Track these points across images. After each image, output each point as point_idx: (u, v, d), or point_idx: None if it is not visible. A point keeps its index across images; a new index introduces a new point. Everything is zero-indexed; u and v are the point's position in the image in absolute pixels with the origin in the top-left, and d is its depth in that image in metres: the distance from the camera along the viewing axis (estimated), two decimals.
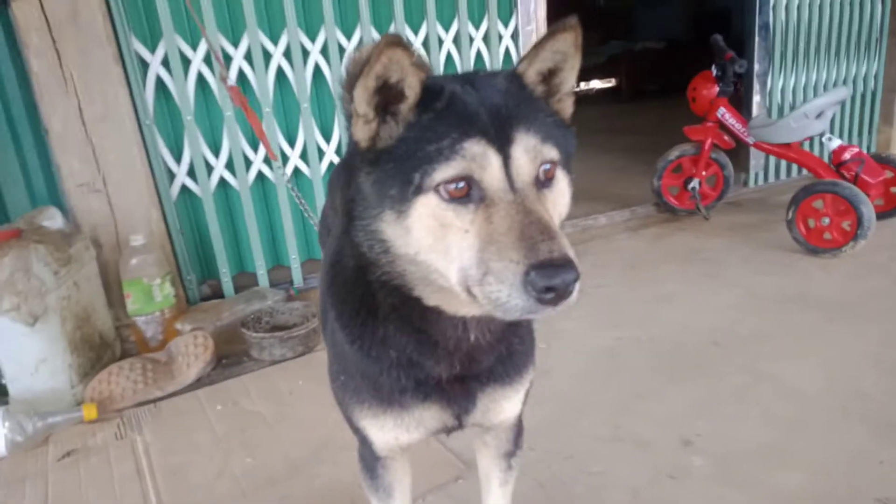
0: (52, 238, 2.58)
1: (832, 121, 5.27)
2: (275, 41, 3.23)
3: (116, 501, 2.05)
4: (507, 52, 3.89)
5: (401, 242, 0.99)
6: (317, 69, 3.36)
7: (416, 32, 3.58)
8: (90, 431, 2.43)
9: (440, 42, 3.66)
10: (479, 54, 3.81)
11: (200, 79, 3.11)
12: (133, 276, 2.84)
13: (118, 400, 2.57)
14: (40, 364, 2.53)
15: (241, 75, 3.19)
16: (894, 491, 1.84)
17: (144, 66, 3.01)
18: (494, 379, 1.25)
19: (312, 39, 3.32)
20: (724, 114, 4.18)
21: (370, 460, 1.40)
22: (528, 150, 0.95)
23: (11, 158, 2.84)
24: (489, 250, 0.90)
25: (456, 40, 3.71)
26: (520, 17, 3.83)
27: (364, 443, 1.35)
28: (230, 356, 2.92)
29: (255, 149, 3.28)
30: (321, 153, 3.45)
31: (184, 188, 3.20)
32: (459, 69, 3.67)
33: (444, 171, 0.93)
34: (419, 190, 0.94)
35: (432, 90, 0.99)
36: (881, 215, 3.99)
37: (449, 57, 3.71)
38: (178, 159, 3.16)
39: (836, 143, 3.83)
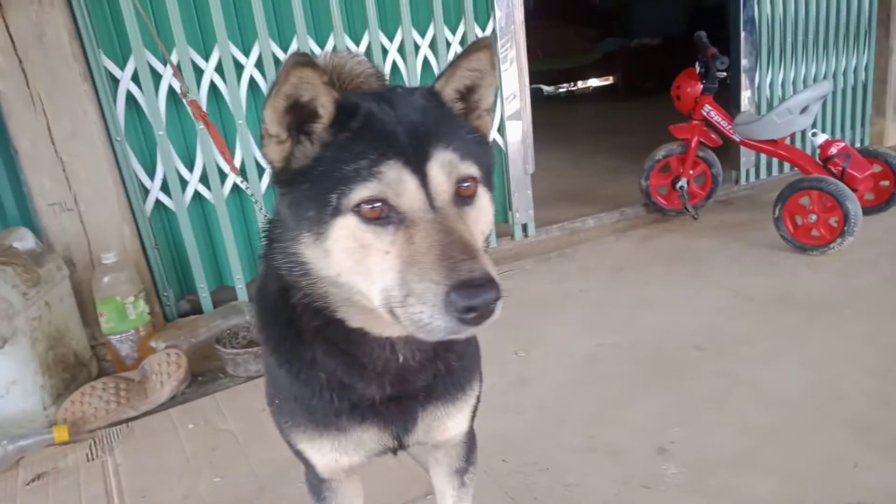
0: (20, 259, 2.56)
1: (825, 114, 5.23)
2: (247, 52, 3.21)
3: None
4: None
5: (321, 265, 0.97)
6: None
7: (391, 39, 3.55)
8: (62, 453, 2.41)
9: (416, 48, 3.63)
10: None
11: (172, 93, 3.08)
12: (106, 295, 2.81)
13: (91, 420, 2.54)
14: (11, 386, 2.51)
15: (213, 88, 3.16)
16: (868, 495, 1.79)
17: (115, 82, 2.99)
18: (435, 397, 1.22)
19: (285, 49, 3.29)
20: (710, 111, 4.12)
21: (315, 483, 1.38)
22: (446, 168, 0.94)
23: None
24: (410, 271, 0.88)
25: (432, 45, 3.68)
26: (497, 20, 3.79)
27: (307, 465, 1.33)
28: (206, 373, 2.89)
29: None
30: None
31: (158, 203, 3.18)
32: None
33: (362, 192, 0.91)
34: (337, 211, 0.92)
35: (348, 109, 0.96)
36: (871, 210, 3.94)
37: (426, 62, 3.67)
38: (151, 175, 3.14)
39: (822, 138, 3.77)
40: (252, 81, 3.23)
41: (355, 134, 0.95)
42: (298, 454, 1.29)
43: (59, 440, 2.44)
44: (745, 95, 4.87)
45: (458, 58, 1.01)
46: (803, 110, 3.71)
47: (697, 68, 4.10)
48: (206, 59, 3.12)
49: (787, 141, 4.01)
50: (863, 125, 5.51)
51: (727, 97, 4.84)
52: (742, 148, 4.82)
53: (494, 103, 1.11)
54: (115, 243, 2.95)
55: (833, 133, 5.28)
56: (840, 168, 3.66)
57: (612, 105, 11.34)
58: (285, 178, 1.00)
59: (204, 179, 3.22)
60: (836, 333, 2.75)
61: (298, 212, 0.98)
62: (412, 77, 3.63)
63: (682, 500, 1.87)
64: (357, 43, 3.45)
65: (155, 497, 2.12)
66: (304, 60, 0.90)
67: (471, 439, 1.44)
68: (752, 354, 2.65)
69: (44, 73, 2.75)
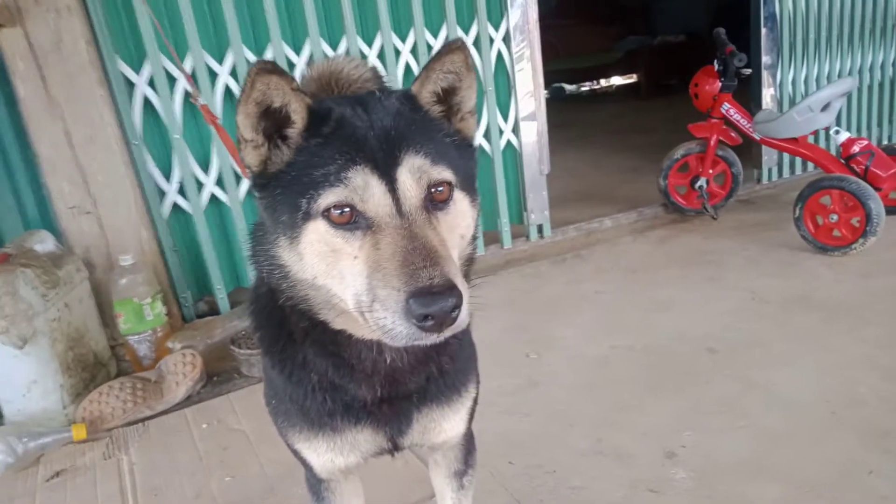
0: (40, 261, 2.63)
1: (851, 111, 5.12)
2: (260, 56, 3.24)
3: None
4: (499, 55, 3.84)
5: (297, 268, 0.99)
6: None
7: (403, 40, 3.56)
8: (80, 451, 2.46)
9: (429, 49, 3.64)
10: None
11: (188, 97, 3.13)
12: (123, 296, 2.87)
13: (108, 419, 2.60)
14: (32, 385, 2.57)
15: (228, 92, 3.21)
16: (882, 500, 1.75)
17: (131, 86, 3.05)
18: (430, 399, 1.22)
19: (298, 52, 3.33)
20: (729, 109, 4.06)
21: (314, 483, 1.39)
22: (414, 173, 0.93)
23: (3, 183, 2.90)
24: (376, 277, 0.89)
25: None
26: (511, 20, 3.78)
27: (305, 466, 1.34)
28: (221, 373, 2.93)
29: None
30: None
31: (175, 206, 3.23)
32: None
33: (329, 198, 0.92)
34: (308, 216, 0.93)
35: (321, 114, 0.98)
36: None
37: None
38: (168, 177, 3.19)
39: (844, 135, 3.69)
40: None
41: (326, 139, 0.96)
42: (296, 454, 1.31)
43: (78, 438, 2.49)
44: (767, 93, 4.79)
45: (432, 60, 1.01)
46: (825, 108, 3.63)
47: (716, 66, 4.04)
48: (221, 62, 3.17)
49: (810, 139, 3.93)
50: (891, 122, 5.38)
51: (749, 95, 4.76)
52: (763, 146, 4.75)
53: (480, 107, 1.10)
54: (133, 245, 3.00)
55: (860, 130, 5.17)
56: (863, 166, 3.58)
57: (634, 104, 11.22)
58: (262, 182, 1.01)
59: (220, 182, 3.27)
60: (854, 336, 2.69)
61: (274, 216, 1.00)
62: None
63: None
64: (369, 45, 3.47)
65: (167, 495, 2.16)
66: (268, 67, 0.92)
67: (469, 441, 1.44)
68: (766, 357, 2.61)
69: (62, 78, 2.81)
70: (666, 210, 4.56)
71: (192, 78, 3.10)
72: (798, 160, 4.98)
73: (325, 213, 0.92)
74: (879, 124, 5.32)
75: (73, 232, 2.95)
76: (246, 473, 2.23)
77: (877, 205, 3.31)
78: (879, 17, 5.10)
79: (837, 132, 3.71)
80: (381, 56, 3.50)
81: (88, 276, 2.91)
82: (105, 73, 2.92)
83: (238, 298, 3.41)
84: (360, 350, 1.09)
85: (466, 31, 3.72)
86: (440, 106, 1.05)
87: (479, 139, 3.87)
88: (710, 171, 4.24)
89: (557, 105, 11.13)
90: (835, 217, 3.49)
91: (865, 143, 3.63)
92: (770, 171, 4.98)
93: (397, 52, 3.55)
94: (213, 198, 3.29)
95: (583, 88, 13.32)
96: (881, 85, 5.25)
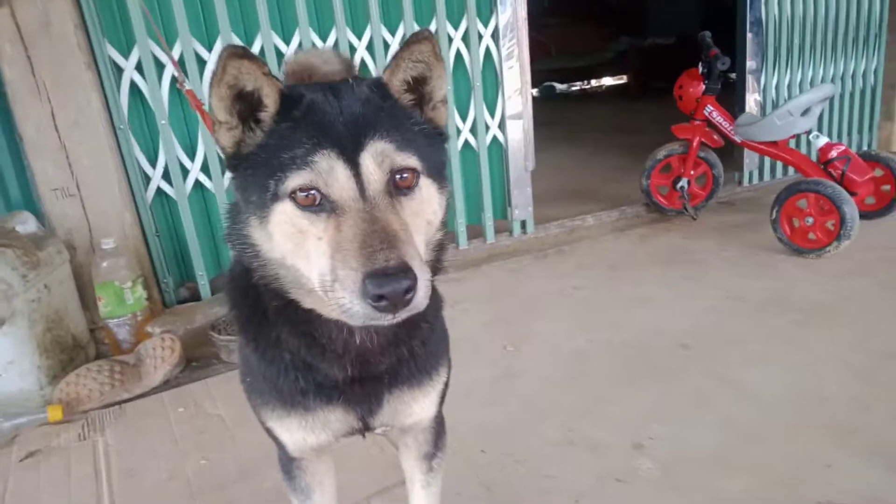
0: (21, 242, 2.63)
1: (833, 117, 5.20)
2: (249, 44, 3.25)
3: (70, 502, 2.08)
4: (487, 51, 3.87)
5: (266, 247, 1.02)
6: None
7: (393, 33, 3.58)
8: (55, 432, 2.47)
9: None
10: (458, 54, 3.79)
11: (175, 83, 3.13)
12: (104, 279, 2.88)
13: (85, 401, 2.60)
14: (8, 366, 2.57)
15: None
16: (838, 494, 1.81)
17: (119, 71, 3.05)
18: (401, 381, 1.25)
19: (287, 42, 3.34)
20: (712, 112, 4.12)
21: (286, 461, 1.41)
22: (377, 158, 0.96)
23: None
24: (336, 258, 0.92)
25: None
26: (500, 17, 3.81)
27: (278, 444, 1.36)
28: (200, 359, 2.94)
29: None
30: None
31: (159, 191, 3.23)
32: None
33: (295, 180, 0.95)
34: (275, 197, 0.97)
35: (293, 99, 1.01)
36: (872, 214, 3.93)
37: None
38: (153, 163, 3.19)
39: (822, 140, 3.76)
40: None
41: (295, 123, 0.99)
42: (269, 432, 1.33)
43: (53, 419, 2.50)
44: (751, 98, 4.86)
45: (400, 49, 1.03)
46: (805, 113, 3.70)
47: (700, 69, 4.10)
48: (210, 49, 3.17)
49: (790, 143, 3.99)
50: (871, 129, 5.48)
51: (733, 98, 4.83)
52: (745, 150, 4.82)
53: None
54: (116, 229, 3.01)
55: (840, 137, 5.26)
56: (840, 171, 3.65)
57: (623, 104, 11.30)
58: (235, 163, 1.04)
59: (205, 168, 3.28)
60: (825, 337, 2.75)
61: (245, 196, 1.03)
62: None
63: (654, 495, 1.89)
64: (359, 37, 3.49)
65: (141, 477, 2.17)
66: (239, 52, 0.95)
67: (439, 425, 1.47)
68: (738, 355, 2.66)
69: (49, 61, 2.81)
70: (647, 209, 4.62)
71: (180, 64, 3.10)
72: (778, 164, 5.06)
73: (292, 195, 0.95)
74: (859, 131, 5.41)
75: (55, 214, 2.95)
76: (221, 457, 2.24)
77: (851, 209, 3.38)
78: (862, 26, 5.18)
79: (816, 137, 3.78)
80: (370, 48, 3.52)
81: (70, 259, 2.91)
82: (93, 57, 2.92)
83: (220, 285, 3.42)
84: (331, 330, 1.12)
85: (456, 26, 3.75)
86: (411, 94, 1.08)
87: (465, 134, 3.90)
88: (692, 173, 4.30)
89: (548, 103, 11.19)
90: (810, 220, 3.56)
91: (843, 148, 3.70)
92: (751, 173, 5.05)
93: (386, 46, 3.57)
94: (198, 184, 3.30)
95: (573, 88, 13.39)
96: (861, 92, 5.34)
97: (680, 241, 4.12)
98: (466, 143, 3.92)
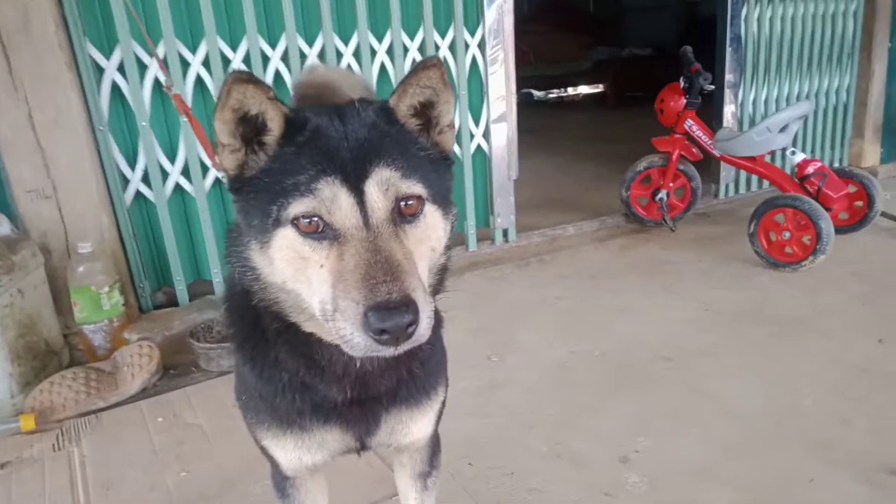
0: None
1: (806, 133, 5.32)
2: (234, 48, 3.20)
3: None
4: (473, 61, 3.87)
5: (267, 271, 1.01)
6: (277, 76, 3.34)
7: (380, 40, 3.56)
8: (28, 443, 2.40)
9: (405, 50, 3.65)
10: (445, 63, 3.78)
11: (157, 84, 3.07)
12: (80, 284, 2.80)
13: (59, 410, 2.53)
14: None
15: (199, 81, 3.16)
16: None
17: (100, 71, 2.98)
18: (399, 401, 1.24)
19: (273, 46, 3.30)
20: (692, 126, 4.18)
21: (279, 480, 1.40)
22: (382, 186, 0.95)
23: None
24: (338, 287, 0.90)
25: (421, 49, 3.70)
26: (487, 25, 3.82)
27: (272, 462, 1.34)
28: (178, 366, 2.89)
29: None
30: None
31: (138, 194, 3.17)
32: None
33: (297, 207, 0.93)
34: (277, 222, 0.95)
35: (297, 123, 0.99)
36: (846, 229, 4.01)
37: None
38: (132, 165, 3.13)
39: (799, 157, 3.84)
40: None
41: (300, 148, 0.97)
42: (263, 451, 1.31)
43: (26, 429, 2.43)
44: (728, 111, 4.94)
45: (409, 75, 1.02)
46: (782, 129, 3.77)
47: (681, 83, 4.16)
48: (194, 52, 3.12)
49: (767, 158, 4.07)
50: (842, 145, 5.61)
51: (711, 112, 4.91)
52: (722, 163, 4.91)
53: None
54: (93, 233, 2.94)
55: (813, 152, 5.37)
56: (816, 187, 3.73)
57: (600, 113, 11.42)
58: (238, 185, 1.03)
59: (185, 172, 3.22)
60: (801, 350, 2.81)
61: (247, 219, 1.02)
62: (400, 79, 3.64)
63: None
64: (346, 43, 3.46)
65: (119, 489, 2.12)
66: (244, 77, 0.93)
67: (435, 444, 1.47)
68: (717, 368, 2.70)
69: (28, 60, 2.73)
70: (627, 220, 4.66)
71: (164, 65, 3.05)
72: (754, 178, 5.15)
73: (294, 222, 0.94)
74: (831, 146, 5.53)
75: (30, 216, 2.87)
76: (202, 469, 2.20)
77: (827, 224, 3.46)
78: (836, 45, 5.31)
79: (793, 153, 3.86)
80: (356, 55, 3.50)
81: (44, 263, 2.84)
82: (73, 57, 2.85)
83: (198, 290, 3.37)
84: (331, 353, 1.11)
85: (443, 34, 3.74)
86: (417, 119, 1.07)
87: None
88: (671, 185, 4.36)
89: (526, 111, 11.18)
90: (787, 234, 3.63)
91: (819, 164, 3.79)
92: (727, 186, 5.14)
93: (373, 52, 3.55)
94: (178, 188, 3.24)
95: (551, 95, 13.49)
96: (835, 109, 5.47)
97: (658, 252, 4.17)
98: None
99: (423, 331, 0.90)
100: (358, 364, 1.12)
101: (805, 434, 2.22)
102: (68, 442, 2.40)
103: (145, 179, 3.15)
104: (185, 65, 3.12)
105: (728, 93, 4.92)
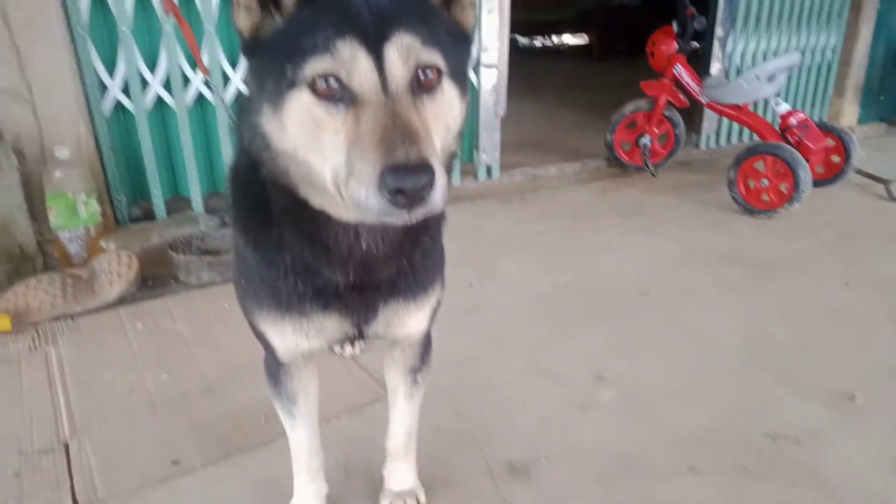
0: None
1: (789, 88, 5.36)
2: None
3: (24, 411, 2.01)
4: None
5: (278, 138, 0.98)
6: None
7: None
8: (3, 342, 2.37)
9: None
10: None
11: None
12: (57, 190, 2.73)
13: (35, 313, 2.50)
14: None
15: None
16: (783, 428, 1.93)
17: None
18: (397, 292, 1.24)
19: None
20: (681, 71, 4.17)
21: (274, 367, 1.40)
22: (403, 51, 0.92)
23: None
24: (354, 150, 0.88)
25: None
26: None
27: (267, 349, 1.34)
28: (156, 278, 2.86)
29: (195, 68, 3.15)
30: None
31: (118, 105, 3.07)
32: None
33: (314, 67, 0.90)
34: (292, 84, 0.92)
35: None
36: (822, 182, 4.09)
37: None
38: (112, 73, 3.02)
39: (784, 107, 3.88)
40: None
41: (318, 8, 0.94)
42: (260, 336, 1.31)
43: (1, 330, 2.40)
44: (716, 61, 4.94)
45: None
46: (770, 78, 3.79)
47: (675, 27, 4.13)
48: None
49: (751, 108, 4.10)
50: (823, 104, 5.67)
51: (698, 64, 4.90)
52: (705, 113, 4.94)
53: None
54: (70, 139, 2.85)
55: (793, 107, 5.42)
56: (797, 138, 3.78)
57: (585, 64, 11.33)
58: (252, 48, 1.00)
59: (167, 84, 3.12)
60: (772, 290, 2.90)
61: (260, 82, 0.99)
62: None
63: (614, 422, 1.98)
64: None
65: (98, 388, 2.12)
66: None
67: (427, 341, 1.49)
68: (693, 302, 2.78)
69: None
70: (609, 164, 4.69)
71: None
72: (735, 130, 5.20)
73: (310, 84, 0.91)
74: (811, 104, 5.60)
75: (4, 117, 2.76)
76: (184, 373, 2.20)
77: (805, 173, 3.52)
78: (828, 3, 5.31)
79: (778, 103, 3.89)
80: None
81: (18, 166, 2.75)
82: None
83: (175, 207, 3.31)
84: (338, 232, 1.09)
85: None
86: None
87: None
88: (656, 130, 4.37)
89: (511, 57, 11.08)
90: (766, 182, 3.69)
91: (803, 116, 3.83)
92: (708, 137, 5.18)
93: None
94: (159, 100, 3.15)
95: (535, 43, 13.30)
96: (819, 67, 5.51)
97: (639, 196, 4.21)
98: None
99: (438, 198, 0.88)
100: (364, 245, 1.11)
101: (772, 363, 2.30)
102: (45, 342, 2.37)
103: (125, 89, 3.06)
104: None
105: (717, 44, 4.91)
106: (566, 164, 4.63)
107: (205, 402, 2.05)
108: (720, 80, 4.16)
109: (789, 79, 5.31)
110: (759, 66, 3.85)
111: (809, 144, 3.76)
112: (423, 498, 1.63)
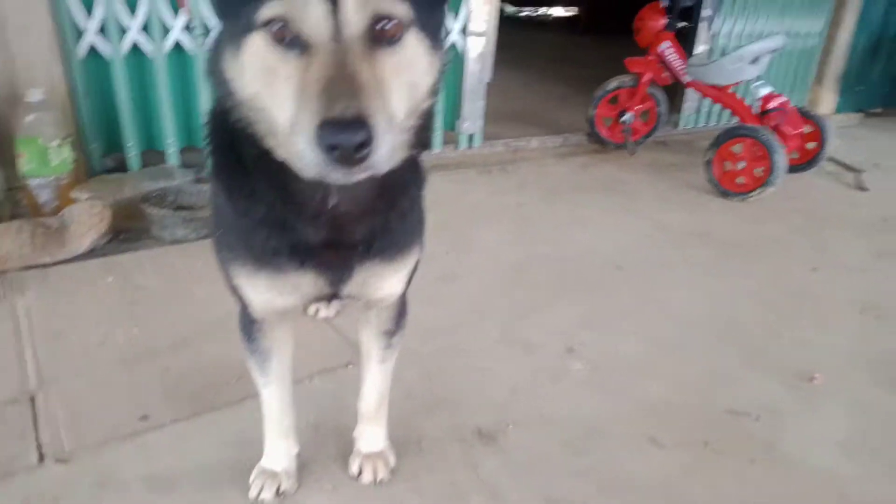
0: None
1: (770, 72, 5.38)
2: None
3: None
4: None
5: (239, 83, 0.95)
6: None
7: None
8: None
9: None
10: None
11: None
12: (28, 135, 2.65)
13: (2, 261, 2.44)
14: None
15: None
16: (745, 405, 2.00)
17: None
18: (373, 253, 1.22)
19: None
20: (667, 48, 4.17)
21: (247, 323, 1.38)
22: None
23: None
24: (300, 100, 0.86)
25: None
26: None
27: (242, 304, 1.33)
28: (129, 231, 2.81)
29: (176, 12, 3.05)
30: None
31: (92, 49, 2.97)
32: None
33: (267, 10, 0.87)
34: (248, 27, 0.90)
35: None
36: (795, 168, 4.15)
37: None
38: (89, 13, 2.91)
39: (766, 90, 3.91)
40: None
41: None
42: (234, 290, 1.29)
43: None
44: (702, 41, 4.95)
45: None
46: (754, 61, 3.82)
47: (663, 2, 4.11)
48: None
49: (732, 90, 4.13)
50: (802, 90, 5.74)
51: (684, 42, 4.90)
52: (686, 94, 4.96)
53: None
54: (43, 82, 2.75)
55: (770, 88, 5.47)
56: (775, 122, 3.83)
57: (571, 37, 11.26)
58: None
59: (146, 29, 3.02)
60: (742, 271, 2.96)
61: (223, 24, 0.97)
62: None
63: (583, 392, 2.02)
64: None
65: (69, 340, 2.09)
66: None
67: (402, 304, 1.48)
68: (664, 279, 2.83)
69: None
70: (589, 140, 4.70)
71: None
72: (714, 112, 5.24)
73: (265, 27, 0.88)
74: (792, 90, 5.65)
75: None
76: (155, 327, 2.18)
77: (782, 158, 3.57)
78: None
79: (761, 86, 3.92)
80: None
81: None
82: None
83: (150, 161, 3.24)
84: (304, 187, 1.06)
85: None
86: None
87: None
88: (638, 107, 4.38)
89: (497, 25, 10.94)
90: (742, 164, 3.74)
91: (783, 100, 3.87)
92: (689, 117, 5.21)
93: None
94: (136, 48, 3.05)
95: (522, 13, 13.15)
96: (801, 53, 5.55)
97: (617, 173, 4.24)
98: None
99: (381, 158, 0.85)
100: (332, 201, 1.09)
101: (737, 342, 2.37)
102: (12, 292, 2.33)
103: (102, 32, 2.95)
104: None
105: (703, 24, 4.91)
106: (547, 137, 4.63)
107: (176, 358, 2.04)
108: (705, 60, 4.18)
109: (772, 63, 5.34)
110: (745, 48, 3.87)
111: (787, 130, 3.81)
112: (392, 460, 1.65)
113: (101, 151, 3.13)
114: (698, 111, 5.23)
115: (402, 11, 0.91)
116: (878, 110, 6.28)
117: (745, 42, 5.08)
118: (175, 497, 1.53)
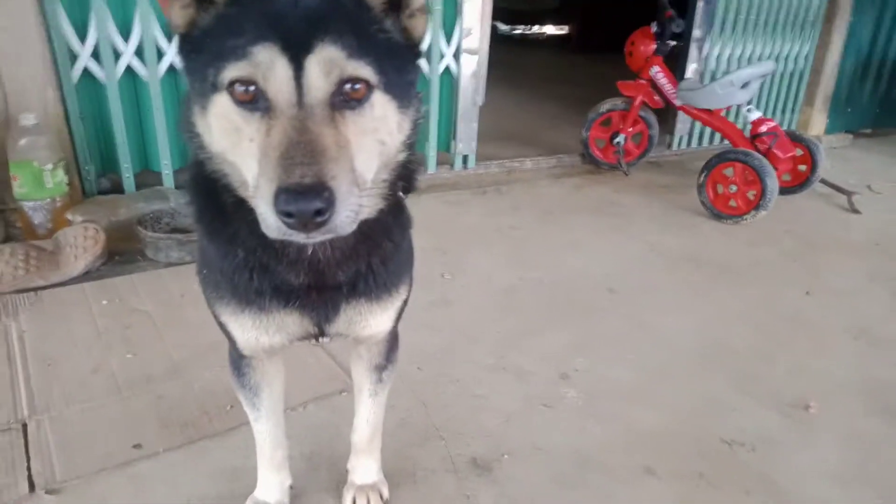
0: None
1: (760, 95, 5.46)
2: None
3: None
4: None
5: (208, 140, 0.97)
6: None
7: None
8: None
9: None
10: None
11: None
12: (22, 158, 2.65)
13: None
14: None
15: None
16: (739, 434, 2.00)
17: None
18: (358, 294, 1.22)
19: None
20: (658, 72, 4.22)
21: (236, 358, 1.39)
22: (324, 64, 0.88)
23: None
24: (262, 163, 0.87)
25: None
26: None
27: (230, 340, 1.33)
28: (123, 254, 2.81)
29: (170, 38, 3.07)
30: None
31: (87, 72, 2.98)
32: None
33: (232, 71, 0.88)
34: (214, 87, 0.91)
35: None
36: (787, 190, 4.19)
37: None
38: (83, 39, 2.92)
39: (755, 114, 3.95)
40: None
41: (244, 9, 0.91)
42: (222, 327, 1.29)
43: None
44: (692, 64, 5.00)
45: None
46: (744, 85, 3.86)
47: (653, 28, 4.16)
48: None
49: (723, 113, 4.18)
50: (793, 111, 5.80)
51: (674, 65, 4.95)
52: (679, 115, 5.01)
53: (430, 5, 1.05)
54: (37, 106, 2.76)
55: (764, 114, 5.53)
56: (766, 146, 3.86)
57: (563, 56, 11.34)
58: (186, 46, 0.98)
59: (139, 53, 3.04)
60: (734, 294, 2.98)
61: (191, 82, 0.97)
62: None
63: (577, 420, 2.02)
64: None
65: (62, 366, 2.08)
66: None
67: (393, 339, 1.48)
68: (657, 302, 2.84)
69: None
70: (583, 160, 4.73)
71: None
72: (706, 133, 5.29)
73: (230, 88, 0.89)
74: (783, 111, 5.72)
75: None
76: (149, 353, 2.18)
77: (773, 182, 3.61)
78: (802, 11, 5.40)
79: (750, 110, 3.96)
80: None
81: None
82: None
83: (145, 181, 3.24)
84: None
85: None
86: None
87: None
88: (630, 130, 4.42)
89: (490, 43, 11.03)
90: (734, 188, 3.77)
91: (773, 124, 3.91)
92: (681, 139, 5.26)
93: None
94: (130, 70, 3.06)
95: (515, 31, 13.26)
96: (791, 75, 5.62)
97: (610, 194, 4.27)
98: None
99: (341, 222, 0.86)
100: (310, 250, 1.10)
101: (731, 368, 2.38)
102: (5, 315, 2.32)
103: (95, 56, 2.96)
104: None
105: (693, 46, 4.96)
106: (541, 158, 4.66)
107: (170, 384, 2.03)
108: (696, 84, 4.22)
109: (762, 85, 5.41)
110: (735, 73, 3.91)
111: (778, 153, 3.85)
112: (386, 492, 1.64)
113: (96, 173, 3.13)
114: (691, 132, 5.27)
115: (368, 74, 0.92)
116: (868, 131, 6.35)
117: (735, 65, 5.15)
118: None
